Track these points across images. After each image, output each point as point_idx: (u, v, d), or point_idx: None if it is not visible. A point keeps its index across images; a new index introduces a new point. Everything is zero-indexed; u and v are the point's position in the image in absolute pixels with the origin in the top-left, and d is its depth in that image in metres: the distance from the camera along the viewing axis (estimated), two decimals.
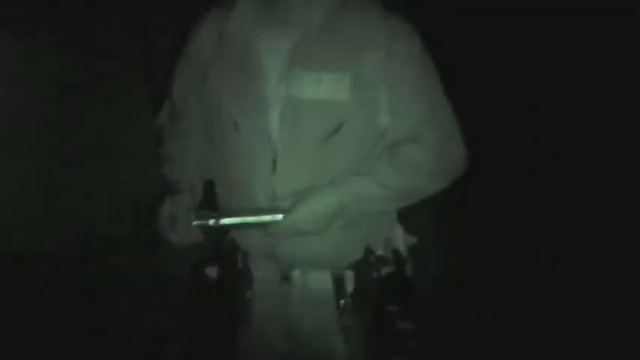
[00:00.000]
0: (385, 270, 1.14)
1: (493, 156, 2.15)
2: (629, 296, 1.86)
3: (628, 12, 2.00)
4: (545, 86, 2.16)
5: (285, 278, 1.16)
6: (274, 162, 1.12)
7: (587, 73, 2.08)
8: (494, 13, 2.23)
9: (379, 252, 1.15)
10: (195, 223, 1.11)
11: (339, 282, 1.15)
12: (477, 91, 2.23)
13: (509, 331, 1.84)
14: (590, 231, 1.99)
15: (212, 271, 1.15)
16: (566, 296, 1.91)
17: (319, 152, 1.12)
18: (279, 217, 1.09)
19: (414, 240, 1.22)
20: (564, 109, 2.13)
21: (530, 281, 2.00)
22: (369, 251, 1.14)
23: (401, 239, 1.21)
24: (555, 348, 1.81)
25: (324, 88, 1.12)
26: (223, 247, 1.17)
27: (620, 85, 2.04)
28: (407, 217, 1.23)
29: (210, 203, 1.17)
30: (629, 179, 1.99)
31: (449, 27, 2.27)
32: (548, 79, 2.15)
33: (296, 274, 1.16)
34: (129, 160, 2.17)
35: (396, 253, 1.17)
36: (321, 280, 1.15)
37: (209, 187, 1.20)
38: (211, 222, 1.10)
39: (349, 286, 1.14)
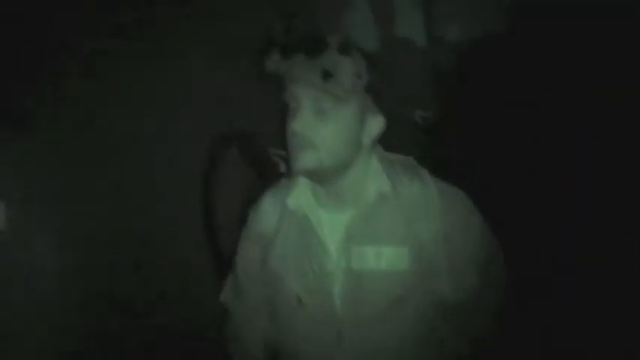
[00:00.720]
0: None
1: (493, 156, 2.16)
2: (629, 296, 1.86)
3: (628, 12, 2.00)
4: (545, 86, 2.15)
5: None
6: (339, 335, 1.13)
7: (587, 73, 2.08)
8: (494, 13, 2.23)
9: None
10: None
11: None
12: (476, 91, 2.23)
13: (509, 331, 1.84)
14: (590, 231, 1.98)
15: None
16: (566, 296, 1.91)
17: (382, 322, 1.12)
18: None
19: None
20: (564, 109, 2.13)
21: (530, 281, 1.99)
22: None
23: None
24: (555, 348, 1.81)
25: (384, 261, 1.12)
26: None
27: (620, 85, 2.04)
28: None
29: None
30: (629, 179, 1.98)
31: (448, 26, 2.27)
32: (548, 79, 2.15)
33: None
34: None
35: None
36: None
37: None
38: None
39: None
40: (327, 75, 1.05)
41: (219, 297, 1.38)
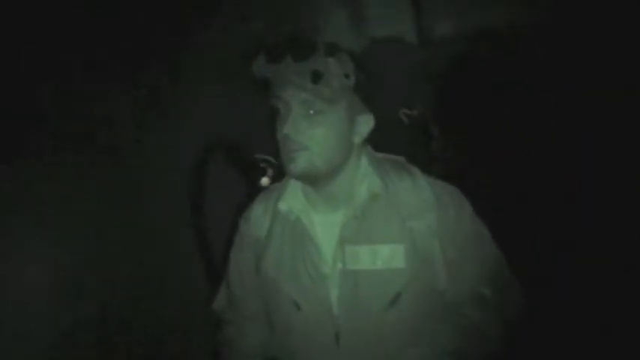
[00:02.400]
0: None
1: (493, 155, 2.16)
2: (629, 296, 1.86)
3: (628, 12, 2.00)
4: (545, 86, 2.15)
5: None
6: (337, 336, 1.12)
7: (586, 73, 2.08)
8: (494, 12, 2.23)
9: None
10: None
11: None
12: (476, 91, 2.23)
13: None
14: (590, 231, 1.98)
15: None
16: (566, 296, 1.91)
17: (381, 321, 1.12)
18: None
19: None
20: (564, 109, 2.13)
21: (530, 281, 1.99)
22: None
23: None
24: (555, 348, 1.80)
25: (380, 260, 1.11)
26: None
27: (620, 85, 2.04)
28: None
29: None
30: (629, 179, 1.98)
31: (447, 26, 2.27)
32: (548, 79, 2.15)
33: None
34: None
35: None
36: None
37: None
38: None
39: None
40: (316, 77, 1.04)
41: (212, 305, 1.37)
